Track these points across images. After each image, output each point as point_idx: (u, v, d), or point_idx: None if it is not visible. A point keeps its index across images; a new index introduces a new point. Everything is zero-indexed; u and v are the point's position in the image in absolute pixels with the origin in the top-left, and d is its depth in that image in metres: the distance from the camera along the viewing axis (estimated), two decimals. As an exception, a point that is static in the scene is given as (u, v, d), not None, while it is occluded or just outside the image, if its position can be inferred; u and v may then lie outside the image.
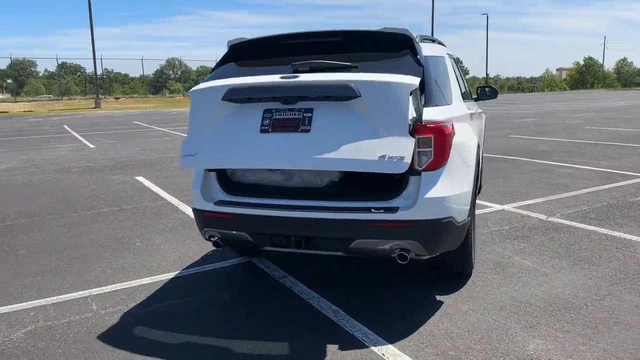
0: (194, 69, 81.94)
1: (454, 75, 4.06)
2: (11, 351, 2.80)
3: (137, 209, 6.06)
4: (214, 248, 3.56)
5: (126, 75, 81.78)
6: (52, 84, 70.53)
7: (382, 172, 2.76)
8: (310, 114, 2.88)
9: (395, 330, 2.89)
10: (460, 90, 4.14)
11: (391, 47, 3.12)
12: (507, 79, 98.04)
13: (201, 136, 3.10)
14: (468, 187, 3.20)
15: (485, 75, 70.43)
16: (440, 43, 4.42)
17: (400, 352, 2.66)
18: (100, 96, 42.94)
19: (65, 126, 21.45)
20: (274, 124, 2.92)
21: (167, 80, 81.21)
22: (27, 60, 77.96)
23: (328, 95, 2.83)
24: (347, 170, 2.92)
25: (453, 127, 3.05)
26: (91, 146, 13.47)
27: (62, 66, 76.22)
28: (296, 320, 3.06)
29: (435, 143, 2.88)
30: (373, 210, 2.87)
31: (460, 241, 3.21)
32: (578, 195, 6.15)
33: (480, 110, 5.39)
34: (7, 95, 58.14)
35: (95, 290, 3.63)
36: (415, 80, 2.81)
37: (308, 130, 2.85)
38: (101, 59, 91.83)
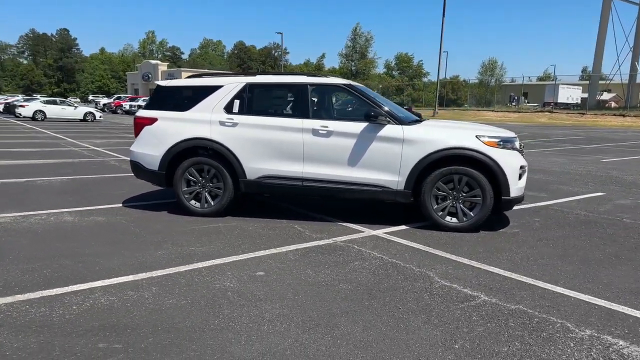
0: None
1: (215, 97, 6.00)
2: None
3: None
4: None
5: None
6: None
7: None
8: None
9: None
10: (232, 106, 5.94)
11: (157, 90, 6.51)
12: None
13: None
14: (156, 153, 6.03)
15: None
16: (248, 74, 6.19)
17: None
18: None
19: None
20: None
21: None
22: None
23: None
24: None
25: (149, 120, 6.14)
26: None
27: None
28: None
29: (135, 125, 6.31)
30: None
31: (160, 181, 6.12)
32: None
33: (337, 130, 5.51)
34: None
35: None
36: (143, 113, 6.32)
37: None
38: None
